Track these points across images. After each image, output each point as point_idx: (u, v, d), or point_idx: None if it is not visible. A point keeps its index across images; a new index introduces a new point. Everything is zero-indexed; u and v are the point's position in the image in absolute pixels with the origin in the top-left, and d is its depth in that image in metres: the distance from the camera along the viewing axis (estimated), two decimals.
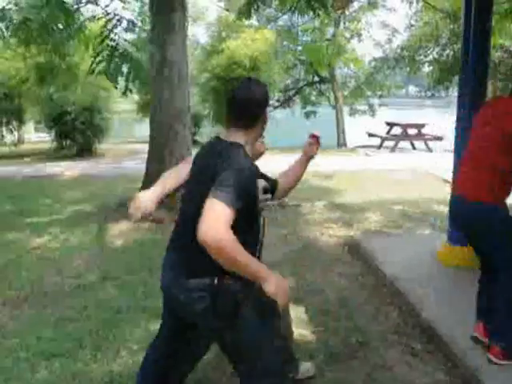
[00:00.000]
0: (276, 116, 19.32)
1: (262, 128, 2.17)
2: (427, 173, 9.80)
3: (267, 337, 2.04)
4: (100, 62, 6.21)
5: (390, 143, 13.89)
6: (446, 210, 6.39)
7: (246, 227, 1.93)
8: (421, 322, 3.36)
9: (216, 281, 1.88)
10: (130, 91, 5.65)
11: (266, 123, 2.18)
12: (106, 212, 6.32)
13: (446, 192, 7.93)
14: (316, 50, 15.41)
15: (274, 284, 1.80)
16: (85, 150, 12.32)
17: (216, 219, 1.71)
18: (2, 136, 13.34)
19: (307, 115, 20.91)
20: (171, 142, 6.07)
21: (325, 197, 7.63)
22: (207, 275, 1.89)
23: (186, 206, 2.10)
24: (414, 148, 14.30)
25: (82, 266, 4.58)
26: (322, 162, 11.94)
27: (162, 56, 6.08)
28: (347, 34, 18.89)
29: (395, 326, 3.40)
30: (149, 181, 6.12)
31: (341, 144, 17.41)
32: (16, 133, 13.89)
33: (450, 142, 13.43)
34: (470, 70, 4.25)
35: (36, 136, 17.74)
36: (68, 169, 10.15)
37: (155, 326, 3.33)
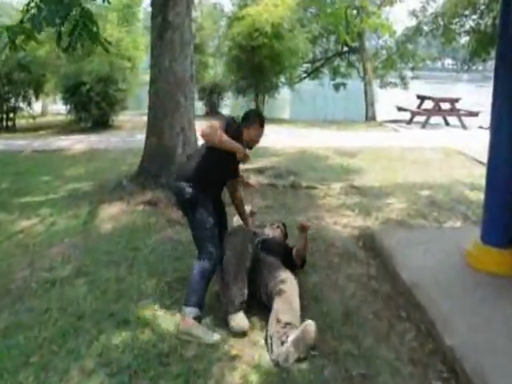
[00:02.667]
0: (302, 88, 18.48)
1: None
2: (460, 153, 8.95)
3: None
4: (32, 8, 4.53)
5: (421, 118, 12.95)
6: (480, 197, 5.68)
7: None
8: (443, 348, 2.73)
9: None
10: (74, 49, 4.70)
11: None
12: (103, 192, 5.80)
13: (479, 175, 7.17)
14: (335, 15, 14.41)
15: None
16: (101, 123, 11.82)
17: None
18: (19, 108, 12.91)
19: (336, 87, 19.99)
20: (171, 114, 5.47)
21: (344, 178, 6.95)
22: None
23: None
24: (446, 124, 13.31)
25: (59, 256, 4.06)
26: (346, 138, 11.47)
27: (163, 18, 5.43)
28: (377, 1, 17.71)
29: (410, 351, 2.78)
30: (147, 157, 5.57)
31: (369, 118, 16.48)
32: (34, 105, 13.45)
33: (485, 118, 12.53)
34: (509, 38, 3.51)
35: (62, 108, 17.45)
36: (78, 142, 9.69)
37: (118, 337, 2.88)
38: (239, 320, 2.95)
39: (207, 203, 3.27)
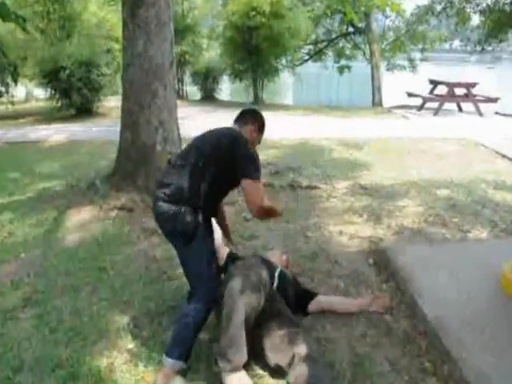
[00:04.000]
0: (304, 71, 17.61)
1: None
2: (478, 144, 8.16)
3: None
4: None
5: (433, 104, 12.11)
6: (506, 198, 4.93)
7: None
8: None
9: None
10: None
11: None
12: (74, 193, 5.08)
13: (503, 171, 6.43)
14: None
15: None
16: (84, 110, 11.02)
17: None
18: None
19: (340, 70, 19.07)
20: (147, 106, 4.69)
21: (350, 174, 6.20)
22: None
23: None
24: (460, 110, 12.47)
25: (8, 278, 3.38)
26: (352, 126, 10.66)
27: None
28: None
29: None
30: (123, 155, 4.82)
31: (376, 103, 15.65)
32: (16, 91, 12.63)
33: (503, 104, 11.66)
34: None
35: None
36: (58, 132, 8.93)
37: None
38: (238, 381, 2.27)
39: (208, 231, 2.62)
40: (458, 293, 3.08)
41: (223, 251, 3.18)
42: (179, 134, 5.03)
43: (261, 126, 2.86)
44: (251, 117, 2.85)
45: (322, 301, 2.97)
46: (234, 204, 4.87)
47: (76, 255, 3.68)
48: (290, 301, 2.78)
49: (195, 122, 10.12)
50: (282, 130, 8.99)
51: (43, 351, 2.58)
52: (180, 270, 3.27)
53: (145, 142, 4.71)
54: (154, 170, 4.55)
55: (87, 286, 3.22)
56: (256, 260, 2.76)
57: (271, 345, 2.42)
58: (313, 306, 2.95)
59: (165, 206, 2.50)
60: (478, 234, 4.30)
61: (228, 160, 2.51)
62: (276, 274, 2.80)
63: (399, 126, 10.18)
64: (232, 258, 3.08)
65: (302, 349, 2.35)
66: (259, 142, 2.91)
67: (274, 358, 2.39)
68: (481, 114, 11.67)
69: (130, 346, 2.61)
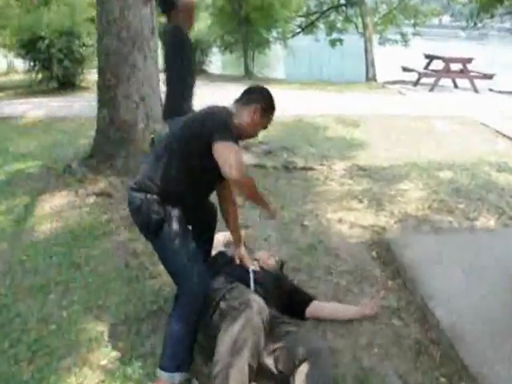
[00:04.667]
0: (295, 44, 17.03)
1: None
2: (477, 122, 7.81)
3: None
4: None
5: (428, 80, 11.70)
6: (511, 182, 4.61)
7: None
8: None
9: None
10: None
11: None
12: (49, 176, 4.65)
13: (505, 152, 6.10)
14: None
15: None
16: (67, 84, 10.40)
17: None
18: None
19: (332, 43, 18.47)
20: (126, 79, 4.24)
21: (347, 154, 5.83)
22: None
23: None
24: (455, 86, 12.08)
25: None
26: (347, 102, 10.22)
27: None
28: None
29: None
30: (101, 135, 4.39)
31: (369, 78, 15.16)
32: None
33: (495, 80, 11.29)
34: None
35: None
36: (37, 107, 8.38)
37: None
38: None
39: (183, 226, 2.24)
40: (472, 294, 2.77)
41: (216, 242, 2.84)
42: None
43: (267, 107, 2.40)
44: (255, 95, 2.41)
45: (317, 306, 2.63)
46: None
47: (47, 249, 3.30)
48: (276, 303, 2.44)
49: None
50: (284, 102, 8.55)
51: (1, 370, 2.22)
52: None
53: (124, 119, 4.28)
54: (136, 151, 4.16)
55: (58, 286, 2.84)
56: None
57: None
58: (310, 310, 2.61)
59: (132, 195, 2.20)
60: (486, 221, 3.98)
61: (206, 142, 2.13)
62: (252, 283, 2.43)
63: (395, 103, 9.77)
64: (222, 257, 2.74)
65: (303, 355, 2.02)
66: (265, 128, 2.47)
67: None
68: (476, 91, 11.31)
69: (104, 361, 2.26)
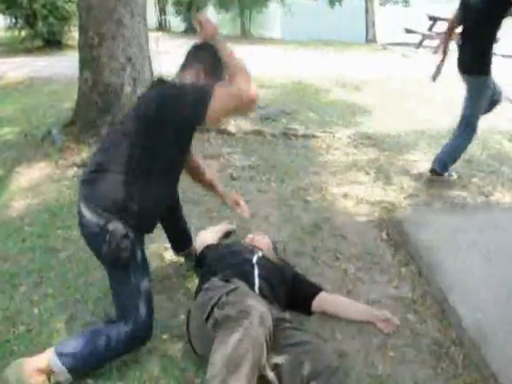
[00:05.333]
0: (292, 2, 16.30)
1: None
2: None
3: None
4: None
5: (431, 42, 11.16)
6: None
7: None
8: None
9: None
10: None
11: None
12: (27, 144, 4.26)
13: None
14: None
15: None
16: (53, 42, 9.77)
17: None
18: None
19: (331, 2, 17.72)
20: (110, 38, 3.78)
21: (350, 120, 5.46)
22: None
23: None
24: None
25: None
26: (348, 64, 9.72)
27: None
28: None
29: None
30: (83, 99, 3.98)
31: (369, 40, 14.56)
32: None
33: (501, 44, 10.75)
34: None
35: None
36: (19, 67, 7.85)
37: None
38: None
39: (142, 240, 1.99)
40: (497, 285, 2.46)
41: (202, 240, 2.53)
42: (152, 73, 4.17)
43: (213, 64, 1.93)
44: (193, 55, 1.97)
45: (325, 301, 2.30)
46: (218, 157, 4.14)
47: (19, 231, 2.93)
48: (280, 299, 2.12)
49: (177, 58, 9.13)
50: (272, 66, 8.09)
51: None
52: (152, 250, 2.61)
53: (109, 82, 3.86)
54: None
55: (30, 276, 2.50)
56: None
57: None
58: (316, 304, 2.29)
59: (85, 216, 1.83)
60: (501, 197, 3.68)
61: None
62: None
63: (398, 65, 9.30)
64: (212, 251, 2.42)
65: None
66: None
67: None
68: None
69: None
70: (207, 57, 1.92)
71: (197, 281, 2.34)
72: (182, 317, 2.19)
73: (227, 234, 2.91)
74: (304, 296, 2.30)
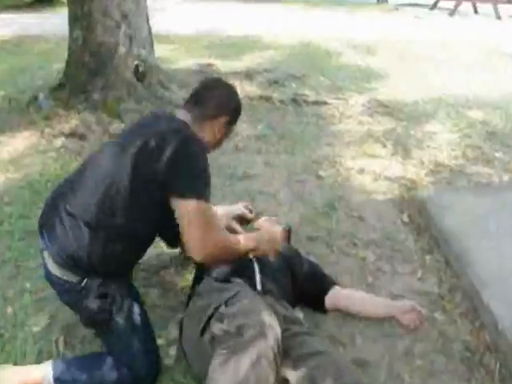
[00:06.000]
0: None
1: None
2: (504, 54, 6.93)
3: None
4: None
5: (446, 4, 10.61)
6: None
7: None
8: None
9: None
10: None
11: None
12: (12, 110, 3.90)
13: None
14: None
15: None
16: None
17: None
18: None
19: None
20: None
21: (364, 86, 5.09)
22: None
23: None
24: (475, 12, 10.97)
25: None
26: (359, 25, 9.19)
27: None
28: None
29: None
30: (73, 61, 3.61)
31: (381, 0, 13.89)
32: None
33: None
34: None
35: None
36: (6, 25, 7.35)
37: None
38: None
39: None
40: None
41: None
42: (150, 32, 3.78)
43: (234, 115, 1.79)
44: (220, 101, 1.72)
45: (339, 296, 2.01)
46: None
47: None
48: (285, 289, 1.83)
49: (174, 14, 8.62)
50: (278, 26, 7.62)
51: None
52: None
53: (102, 42, 3.47)
54: (115, 82, 3.40)
55: (5, 266, 2.18)
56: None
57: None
58: (329, 301, 2.00)
59: (51, 272, 1.56)
60: None
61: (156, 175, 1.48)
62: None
63: (412, 27, 8.80)
64: None
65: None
66: (227, 136, 1.85)
67: None
68: (499, 17, 10.26)
69: None
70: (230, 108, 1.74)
71: None
72: (172, 320, 1.91)
73: (240, 221, 2.48)
74: (316, 291, 2.01)
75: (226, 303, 1.39)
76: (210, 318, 1.39)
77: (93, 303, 1.50)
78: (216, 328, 1.33)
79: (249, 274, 1.71)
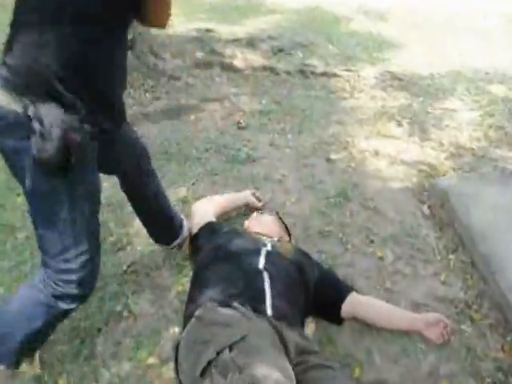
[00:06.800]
0: None
1: None
2: None
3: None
4: None
5: None
6: None
7: None
8: None
9: None
10: None
11: None
12: None
13: None
14: None
15: None
16: None
17: None
18: None
19: None
20: None
21: (377, 56, 4.75)
22: None
23: None
24: None
25: None
26: None
27: None
28: None
29: None
30: None
31: None
32: None
33: None
34: None
35: None
36: None
37: None
38: None
39: (90, 161, 1.28)
40: None
41: (201, 215, 1.95)
42: None
43: None
44: None
45: (357, 304, 1.77)
46: (222, 100, 3.50)
47: None
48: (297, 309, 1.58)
49: None
50: None
51: None
52: (137, 227, 2.07)
53: None
54: None
55: None
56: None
57: None
58: (346, 309, 1.76)
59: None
60: None
61: None
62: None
63: None
64: (210, 228, 1.86)
65: None
66: None
67: None
68: None
69: None
70: None
71: None
72: (176, 330, 1.67)
73: (249, 210, 2.26)
74: (331, 300, 1.77)
75: (231, 348, 1.14)
76: (210, 362, 1.14)
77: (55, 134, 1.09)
78: (218, 380, 1.09)
79: (258, 295, 1.45)
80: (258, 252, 1.64)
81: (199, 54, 3.80)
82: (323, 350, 1.65)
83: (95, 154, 1.26)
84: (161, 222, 1.83)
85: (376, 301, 1.84)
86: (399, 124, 3.38)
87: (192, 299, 1.50)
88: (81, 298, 1.35)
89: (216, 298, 1.39)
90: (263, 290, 1.45)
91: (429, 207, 2.50)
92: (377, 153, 2.98)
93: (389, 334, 1.75)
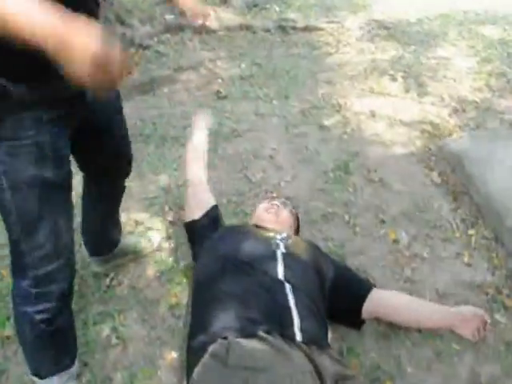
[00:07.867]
0: None
1: None
2: None
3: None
4: None
5: None
6: None
7: None
8: None
9: None
10: None
11: None
12: None
13: None
14: None
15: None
16: None
17: None
18: None
19: None
20: None
21: (356, 2, 4.41)
22: None
23: None
24: None
25: None
26: None
27: None
28: None
29: None
30: None
31: None
32: None
33: None
34: None
35: None
36: None
37: None
38: None
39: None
40: None
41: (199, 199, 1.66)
42: None
43: None
44: None
45: (379, 302, 1.51)
46: (197, 68, 3.14)
47: None
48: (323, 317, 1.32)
49: None
50: None
51: None
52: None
53: None
54: None
55: None
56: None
57: None
58: (367, 309, 1.51)
59: None
60: None
61: None
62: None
63: None
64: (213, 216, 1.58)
65: None
66: None
67: None
68: None
69: None
70: None
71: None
72: (174, 355, 1.41)
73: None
74: (351, 303, 1.51)
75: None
76: None
77: None
78: None
79: (283, 316, 1.17)
80: (273, 257, 1.35)
81: (169, 18, 3.40)
82: (346, 363, 1.41)
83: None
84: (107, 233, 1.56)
85: (400, 296, 1.59)
86: (393, 79, 3.08)
87: (199, 324, 1.21)
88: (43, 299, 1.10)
89: (233, 325, 1.11)
90: (288, 309, 1.18)
91: (439, 174, 2.25)
92: (373, 114, 2.69)
93: (417, 335, 1.52)
